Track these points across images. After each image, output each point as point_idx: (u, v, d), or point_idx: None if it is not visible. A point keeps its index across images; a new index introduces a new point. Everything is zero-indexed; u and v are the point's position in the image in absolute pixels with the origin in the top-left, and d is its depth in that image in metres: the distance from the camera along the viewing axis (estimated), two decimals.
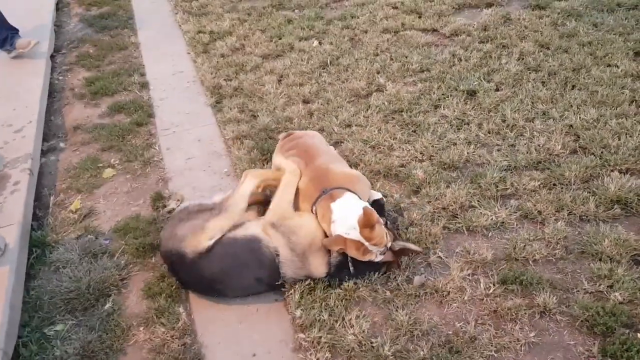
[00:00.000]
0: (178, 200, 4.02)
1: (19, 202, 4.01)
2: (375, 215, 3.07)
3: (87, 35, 7.19)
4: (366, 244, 3.02)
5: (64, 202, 4.23)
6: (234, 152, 4.54)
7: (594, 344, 2.77)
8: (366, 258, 3.08)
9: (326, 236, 3.17)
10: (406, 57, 5.65)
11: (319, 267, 3.18)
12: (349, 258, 3.15)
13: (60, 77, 6.21)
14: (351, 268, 3.16)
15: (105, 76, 6.01)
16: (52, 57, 6.57)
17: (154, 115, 5.30)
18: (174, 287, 3.36)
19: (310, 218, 3.25)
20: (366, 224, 3.02)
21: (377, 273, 3.24)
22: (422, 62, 5.51)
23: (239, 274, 3.17)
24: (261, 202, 3.54)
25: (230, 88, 5.47)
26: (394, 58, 5.68)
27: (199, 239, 3.15)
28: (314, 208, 3.24)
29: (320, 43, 6.20)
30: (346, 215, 3.07)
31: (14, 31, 6.07)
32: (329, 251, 3.18)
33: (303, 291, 3.18)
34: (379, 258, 3.14)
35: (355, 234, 3.02)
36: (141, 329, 3.15)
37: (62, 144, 5.00)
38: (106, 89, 5.75)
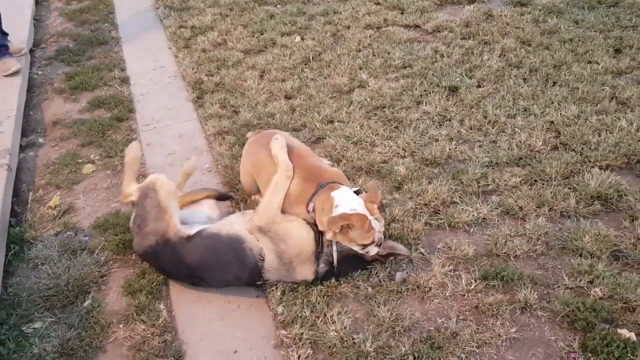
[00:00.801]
0: None
1: None
2: (380, 196, 3.11)
3: (67, 29, 7.10)
4: (370, 218, 3.00)
5: (42, 198, 4.18)
6: (215, 147, 4.51)
7: (575, 339, 2.79)
8: (369, 238, 3.02)
9: (319, 239, 3.16)
10: (388, 53, 5.64)
11: (306, 275, 3.15)
12: (334, 257, 3.13)
13: (40, 72, 6.13)
14: (335, 264, 3.14)
15: (85, 71, 5.94)
16: (31, 51, 6.48)
17: (135, 111, 5.25)
18: (154, 283, 3.33)
19: (300, 225, 3.18)
20: (371, 199, 3.07)
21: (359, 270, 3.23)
22: (404, 58, 5.51)
23: (219, 269, 3.16)
24: (215, 197, 3.58)
25: (212, 83, 5.43)
26: (377, 54, 5.68)
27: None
28: (310, 205, 3.19)
29: (302, 39, 6.18)
30: (349, 199, 3.07)
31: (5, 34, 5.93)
32: (317, 260, 3.14)
33: (285, 288, 3.16)
34: (374, 251, 3.11)
35: (361, 209, 3.02)
36: (121, 326, 3.11)
37: (41, 140, 4.94)
38: (86, 83, 5.68)
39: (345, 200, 3.08)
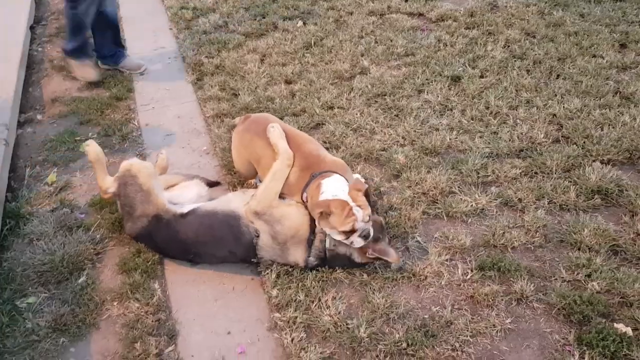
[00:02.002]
0: None
1: None
2: (366, 185, 3.08)
3: None
4: (352, 203, 2.96)
5: (39, 175, 4.15)
6: (213, 130, 4.48)
7: (570, 332, 2.78)
8: (348, 224, 2.95)
9: (312, 227, 3.14)
10: (391, 41, 5.60)
11: (297, 259, 3.14)
12: (326, 253, 3.12)
13: (40, 49, 6.08)
14: (327, 254, 3.13)
15: None
16: (31, 28, 6.42)
17: (134, 90, 5.21)
18: (149, 263, 3.30)
19: (297, 209, 3.18)
20: (356, 187, 3.05)
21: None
22: (407, 46, 5.47)
23: (214, 244, 3.17)
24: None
25: (212, 66, 5.39)
26: (379, 41, 5.64)
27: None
28: (304, 195, 3.17)
29: (304, 23, 6.13)
30: (335, 186, 3.06)
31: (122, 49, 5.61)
32: (310, 245, 3.12)
33: (280, 271, 3.15)
34: (359, 243, 3.04)
35: (342, 195, 3.00)
36: (115, 303, 3.10)
37: (39, 116, 4.90)
38: None
39: (331, 187, 3.06)
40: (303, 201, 3.19)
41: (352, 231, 2.99)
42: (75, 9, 4.94)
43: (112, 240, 3.53)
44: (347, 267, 3.19)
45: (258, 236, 3.10)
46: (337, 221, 2.97)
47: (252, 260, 3.17)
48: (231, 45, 5.72)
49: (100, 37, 5.39)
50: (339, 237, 3.04)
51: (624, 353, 2.63)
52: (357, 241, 3.04)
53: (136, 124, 4.72)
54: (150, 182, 3.26)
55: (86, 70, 5.27)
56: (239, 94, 4.88)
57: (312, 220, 3.14)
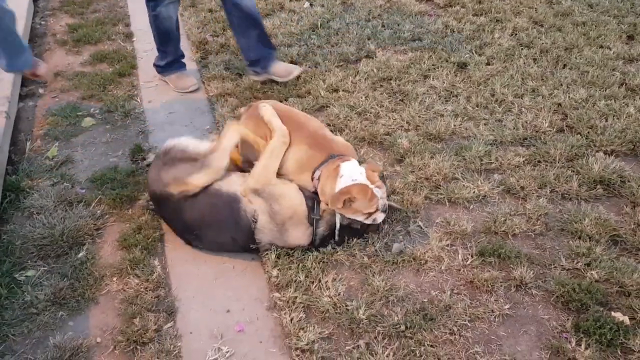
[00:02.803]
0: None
1: None
2: (381, 167, 3.22)
3: None
4: (371, 186, 3.01)
5: (40, 149, 4.14)
6: (217, 109, 4.47)
7: (568, 319, 2.78)
8: (372, 206, 3.02)
9: (314, 206, 3.15)
10: (398, 25, 5.57)
11: (299, 238, 3.13)
12: (336, 226, 3.13)
13: (42, 22, 6.05)
14: (336, 237, 3.15)
15: (89, 24, 5.87)
16: (35, 0, 6.37)
17: (137, 67, 5.19)
18: (150, 239, 3.30)
19: (295, 189, 3.17)
20: (372, 168, 3.12)
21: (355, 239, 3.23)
22: (414, 31, 5.44)
23: (217, 227, 3.15)
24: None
25: (217, 44, 5.36)
26: (386, 25, 5.61)
27: (180, 189, 3.12)
28: (317, 172, 3.17)
29: (311, 4, 6.10)
30: (353, 171, 3.08)
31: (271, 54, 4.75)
32: (310, 225, 3.12)
33: (280, 252, 3.14)
34: (381, 217, 3.11)
35: (362, 179, 3.03)
36: (114, 279, 3.09)
37: (41, 90, 4.88)
38: (89, 37, 5.61)
39: (349, 171, 3.07)
40: (313, 179, 3.19)
41: (376, 211, 3.06)
42: (154, 10, 4.53)
43: (113, 216, 3.52)
44: (357, 235, 3.22)
45: (256, 221, 3.09)
46: (362, 206, 3.02)
47: (251, 246, 3.14)
48: None
49: (244, 38, 4.62)
50: (362, 218, 3.09)
51: (620, 341, 2.63)
52: (379, 217, 3.12)
53: (139, 100, 4.70)
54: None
55: (185, 80, 4.82)
56: (243, 74, 4.85)
57: (314, 200, 3.16)
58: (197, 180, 3.13)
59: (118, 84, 4.91)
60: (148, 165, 3.84)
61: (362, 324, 2.77)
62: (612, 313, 2.77)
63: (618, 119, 4.13)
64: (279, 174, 3.21)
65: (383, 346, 2.65)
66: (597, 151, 3.86)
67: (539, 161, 3.80)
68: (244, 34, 4.60)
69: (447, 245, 3.22)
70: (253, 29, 4.54)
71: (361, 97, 4.49)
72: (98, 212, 3.52)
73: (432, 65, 4.90)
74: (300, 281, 2.98)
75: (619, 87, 4.52)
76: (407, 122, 4.20)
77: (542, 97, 4.44)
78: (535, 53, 5.06)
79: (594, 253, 3.09)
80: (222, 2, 4.55)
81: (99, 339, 2.79)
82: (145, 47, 5.48)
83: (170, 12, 4.57)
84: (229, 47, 5.28)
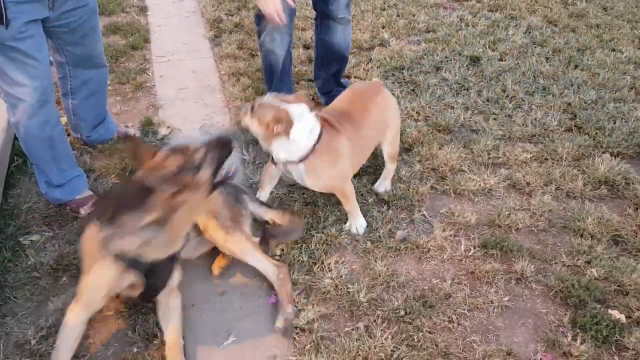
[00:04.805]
0: (168, 127, 3.96)
1: (3, 109, 3.89)
2: None
3: None
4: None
5: None
6: (228, 88, 4.48)
7: (565, 314, 2.81)
8: None
9: None
10: (413, 16, 5.58)
11: None
12: None
13: None
14: None
15: None
16: None
17: (150, 41, 5.19)
18: None
19: None
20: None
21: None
22: (428, 22, 5.45)
23: None
24: None
25: (231, 23, 5.36)
26: (401, 15, 5.61)
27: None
28: None
29: None
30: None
31: None
32: None
33: None
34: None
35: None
36: None
37: (51, 58, 4.85)
38: (103, 7, 5.60)
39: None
40: None
41: None
42: (259, 37, 3.93)
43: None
44: None
45: None
46: None
47: None
48: (251, 5, 5.68)
49: (325, 70, 4.25)
50: None
51: (615, 338, 2.65)
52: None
53: (150, 74, 4.71)
54: None
55: None
56: (256, 55, 4.85)
57: None
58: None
59: (130, 57, 4.91)
60: (161, 139, 3.85)
61: (362, 306, 2.79)
62: (609, 310, 2.79)
63: (626, 122, 4.15)
64: None
65: (382, 329, 2.68)
66: (603, 152, 3.87)
67: (546, 158, 3.82)
68: (326, 67, 4.22)
69: (451, 236, 3.24)
70: (335, 63, 4.21)
71: None
72: (105, 182, 3.53)
73: (445, 57, 4.91)
74: (303, 261, 3.00)
75: (628, 91, 4.54)
76: (417, 112, 4.21)
77: (553, 96, 4.45)
78: (548, 52, 5.06)
79: (595, 251, 3.11)
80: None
81: None
82: (159, 21, 5.50)
83: (278, 41, 3.87)
84: (244, 27, 5.28)
